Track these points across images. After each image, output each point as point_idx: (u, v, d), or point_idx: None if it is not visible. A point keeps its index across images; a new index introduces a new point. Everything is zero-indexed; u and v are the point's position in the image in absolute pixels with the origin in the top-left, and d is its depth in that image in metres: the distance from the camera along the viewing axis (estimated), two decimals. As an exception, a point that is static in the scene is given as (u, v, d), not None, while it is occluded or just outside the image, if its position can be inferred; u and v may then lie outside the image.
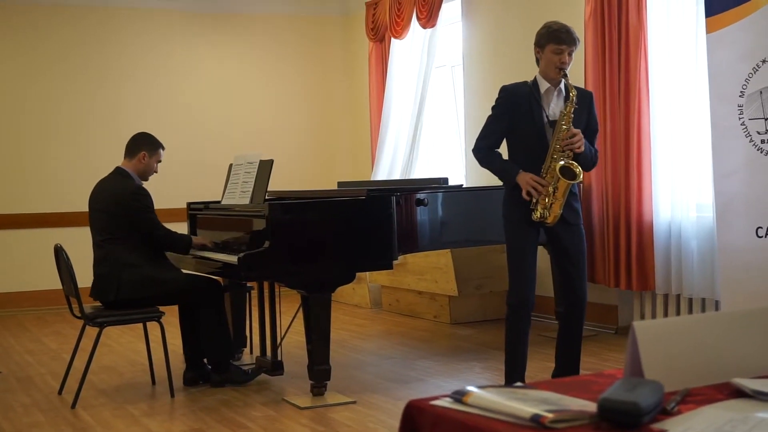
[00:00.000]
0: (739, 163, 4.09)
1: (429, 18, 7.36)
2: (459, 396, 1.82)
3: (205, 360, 4.85)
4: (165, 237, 4.74)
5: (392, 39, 7.94)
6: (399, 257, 4.71)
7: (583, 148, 3.93)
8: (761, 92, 4.00)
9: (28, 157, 8.16)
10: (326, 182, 8.39)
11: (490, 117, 4.12)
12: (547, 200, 3.93)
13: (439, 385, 4.65)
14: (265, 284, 4.94)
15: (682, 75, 5.32)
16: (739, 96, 4.06)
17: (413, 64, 7.75)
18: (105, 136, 8.14)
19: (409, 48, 7.80)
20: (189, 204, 5.60)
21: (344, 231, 4.41)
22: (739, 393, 1.83)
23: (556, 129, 3.95)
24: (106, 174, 4.90)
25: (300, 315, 4.86)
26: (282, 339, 4.97)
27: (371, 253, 4.49)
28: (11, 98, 8.14)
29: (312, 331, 4.38)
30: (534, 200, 3.94)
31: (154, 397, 4.66)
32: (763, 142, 4.01)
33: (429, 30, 7.50)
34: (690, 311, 5.33)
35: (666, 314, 5.52)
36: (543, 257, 4.98)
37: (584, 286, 4.13)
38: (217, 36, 8.80)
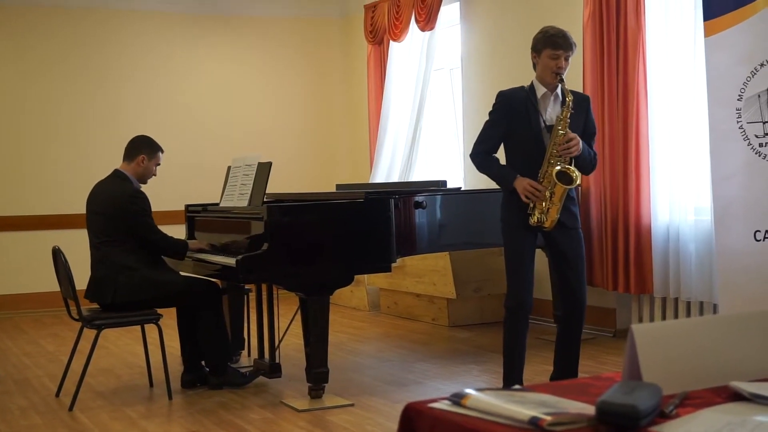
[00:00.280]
0: (738, 166, 4.10)
1: (428, 21, 7.36)
2: (457, 399, 1.82)
3: (203, 362, 4.84)
4: (161, 241, 4.72)
5: (391, 42, 7.95)
6: (397, 260, 4.71)
7: (580, 152, 3.94)
8: (759, 95, 4.01)
9: (27, 158, 8.14)
10: (325, 184, 8.38)
11: (487, 122, 4.13)
12: (544, 205, 3.94)
13: (438, 388, 4.65)
14: (264, 286, 4.94)
15: (680, 78, 5.33)
16: (738, 99, 4.06)
17: (412, 67, 7.76)
18: (104, 138, 8.13)
19: (408, 51, 7.81)
20: (187, 206, 5.59)
21: (343, 233, 4.41)
22: (737, 396, 1.83)
23: (553, 134, 3.95)
24: (105, 176, 4.90)
25: (298, 317, 4.86)
26: (280, 341, 4.96)
27: (369, 256, 4.49)
28: (11, 100, 8.13)
29: (310, 334, 4.37)
30: (531, 205, 3.95)
31: (152, 399, 4.66)
32: (761, 145, 4.01)
33: (427, 33, 7.50)
34: (688, 314, 5.33)
35: (664, 317, 5.52)
36: (541, 260, 4.98)
37: (583, 290, 4.13)
38: (216, 38, 8.80)
